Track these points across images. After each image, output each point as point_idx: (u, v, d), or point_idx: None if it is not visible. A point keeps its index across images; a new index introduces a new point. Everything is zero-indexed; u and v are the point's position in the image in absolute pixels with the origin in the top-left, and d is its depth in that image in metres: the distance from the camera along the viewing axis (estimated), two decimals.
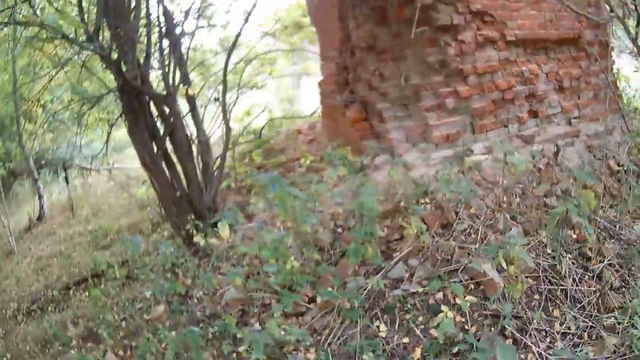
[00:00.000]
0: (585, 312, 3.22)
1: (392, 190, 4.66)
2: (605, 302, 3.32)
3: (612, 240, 4.02)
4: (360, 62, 5.78)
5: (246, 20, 4.93)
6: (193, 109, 5.59)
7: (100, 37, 4.98)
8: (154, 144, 5.31)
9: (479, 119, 5.40)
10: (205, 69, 6.82)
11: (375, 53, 5.65)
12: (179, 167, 5.40)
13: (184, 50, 5.66)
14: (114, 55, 4.95)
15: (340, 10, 5.92)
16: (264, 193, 4.81)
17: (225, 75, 5.06)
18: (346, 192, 4.67)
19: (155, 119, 5.49)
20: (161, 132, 5.43)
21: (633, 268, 3.63)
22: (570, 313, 3.20)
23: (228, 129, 5.33)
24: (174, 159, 5.44)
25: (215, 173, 5.64)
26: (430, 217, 4.08)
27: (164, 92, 5.42)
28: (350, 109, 5.95)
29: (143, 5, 5.43)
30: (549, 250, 3.69)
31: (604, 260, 3.65)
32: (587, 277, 3.53)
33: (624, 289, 3.48)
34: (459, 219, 4.07)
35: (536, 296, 3.35)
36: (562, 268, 3.48)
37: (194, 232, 4.42)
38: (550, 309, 3.25)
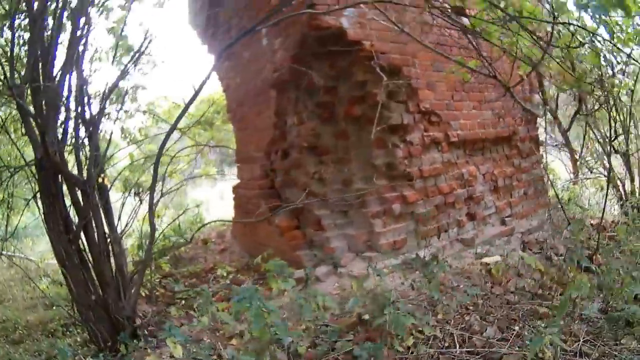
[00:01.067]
0: None
1: (346, 302, 4.40)
2: None
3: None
4: (297, 164, 5.43)
5: (185, 110, 4.37)
6: (106, 202, 4.85)
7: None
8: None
9: (422, 225, 5.27)
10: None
11: (315, 154, 5.31)
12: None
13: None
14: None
15: (279, 106, 5.53)
16: (204, 304, 4.36)
17: (156, 166, 4.42)
18: (291, 306, 4.35)
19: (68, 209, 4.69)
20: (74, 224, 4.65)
21: None
22: None
23: (153, 229, 4.69)
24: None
25: (134, 277, 4.99)
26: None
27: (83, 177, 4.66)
28: (278, 216, 5.59)
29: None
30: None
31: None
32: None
33: None
34: (429, 325, 3.85)
35: None
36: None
37: (120, 346, 4.02)
38: None
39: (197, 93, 4.02)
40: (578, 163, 6.85)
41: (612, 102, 5.47)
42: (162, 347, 4.27)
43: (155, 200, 4.62)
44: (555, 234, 5.86)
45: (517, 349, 3.52)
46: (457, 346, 3.58)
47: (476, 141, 5.79)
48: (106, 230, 4.45)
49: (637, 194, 6.09)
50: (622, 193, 6.19)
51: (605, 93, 5.32)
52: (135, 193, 5.63)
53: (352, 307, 4.13)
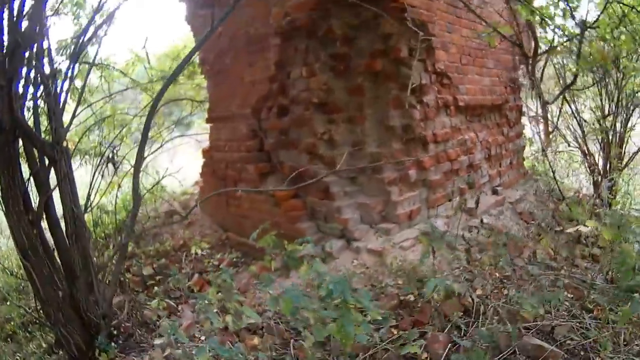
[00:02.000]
0: None
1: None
2: None
3: None
4: (300, 122, 4.92)
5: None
6: (69, 171, 3.89)
7: None
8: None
9: (433, 193, 5.05)
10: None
11: (324, 111, 4.84)
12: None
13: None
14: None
15: (282, 55, 4.95)
16: (227, 295, 3.78)
17: (149, 122, 3.68)
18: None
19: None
20: (34, 201, 3.69)
21: None
22: None
23: (137, 201, 3.91)
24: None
25: (114, 265, 4.14)
26: (447, 306, 3.53)
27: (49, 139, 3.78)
28: (274, 183, 5.09)
29: None
30: None
31: None
32: None
33: None
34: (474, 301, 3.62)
35: None
36: None
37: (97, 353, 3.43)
38: None
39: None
40: (551, 136, 7.02)
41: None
42: (148, 351, 3.62)
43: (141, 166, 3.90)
44: (542, 206, 5.93)
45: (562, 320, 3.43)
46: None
47: (476, 107, 5.65)
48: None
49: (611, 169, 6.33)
50: (598, 169, 6.41)
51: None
52: (109, 159, 4.77)
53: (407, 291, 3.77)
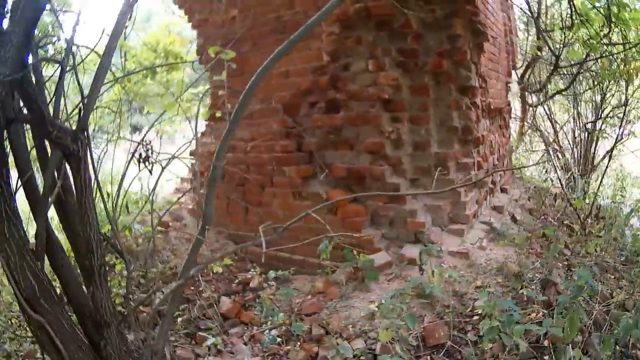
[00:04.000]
0: None
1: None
2: None
3: None
4: (366, 120, 4.74)
5: None
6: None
7: None
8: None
9: (479, 193, 5.22)
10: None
11: (388, 110, 4.74)
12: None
13: None
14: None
15: (339, 43, 4.73)
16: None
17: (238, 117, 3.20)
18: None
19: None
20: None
21: None
22: None
23: (209, 216, 3.23)
24: None
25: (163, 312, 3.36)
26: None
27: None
28: (320, 187, 4.87)
29: None
30: None
31: None
32: None
33: None
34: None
35: None
36: None
37: None
38: None
39: None
40: (526, 136, 7.63)
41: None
42: None
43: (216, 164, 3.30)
44: (541, 205, 6.42)
45: None
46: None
47: (494, 110, 5.93)
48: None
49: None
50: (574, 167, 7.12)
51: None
52: (142, 157, 4.02)
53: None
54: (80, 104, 2.61)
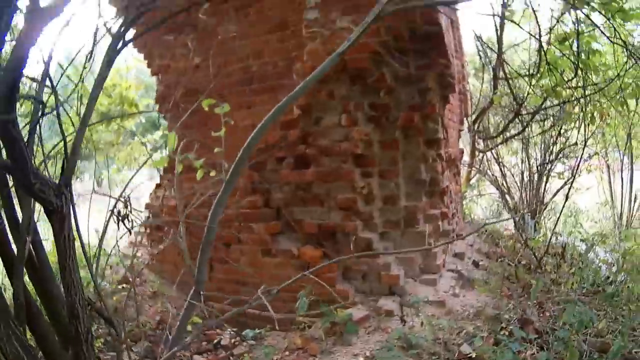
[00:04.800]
0: None
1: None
2: None
3: None
4: (338, 176, 4.79)
5: None
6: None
7: None
8: None
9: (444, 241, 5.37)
10: None
11: (359, 165, 4.82)
12: None
13: None
14: None
15: (311, 97, 4.77)
16: None
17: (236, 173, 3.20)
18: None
19: None
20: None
21: None
22: None
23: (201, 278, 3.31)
24: None
25: None
26: None
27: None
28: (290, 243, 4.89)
29: None
30: None
31: None
32: None
33: None
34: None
35: None
36: None
37: None
38: None
39: None
40: (474, 180, 7.91)
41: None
42: None
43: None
44: (492, 247, 6.68)
45: None
46: None
47: (450, 159, 6.13)
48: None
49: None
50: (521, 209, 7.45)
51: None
52: (120, 216, 3.87)
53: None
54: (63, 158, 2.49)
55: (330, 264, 4.68)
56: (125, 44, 3.15)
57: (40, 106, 2.52)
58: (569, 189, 6.58)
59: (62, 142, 2.61)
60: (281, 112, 3.23)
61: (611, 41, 5.43)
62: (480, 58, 6.79)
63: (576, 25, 5.46)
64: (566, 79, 5.76)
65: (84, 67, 3.69)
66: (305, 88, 3.19)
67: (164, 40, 5.65)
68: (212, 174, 4.00)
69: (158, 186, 6.09)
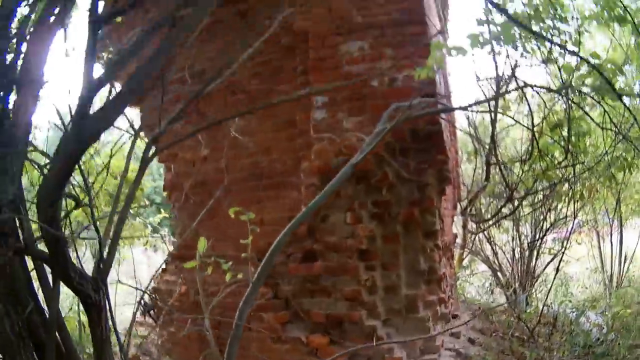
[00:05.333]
0: None
1: None
2: None
3: None
4: (344, 270, 5.12)
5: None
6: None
7: None
8: None
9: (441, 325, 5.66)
10: None
11: (363, 259, 5.14)
12: None
13: None
14: None
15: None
16: None
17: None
18: None
19: None
20: None
21: None
22: None
23: None
24: None
25: None
26: None
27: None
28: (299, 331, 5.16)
29: None
30: None
31: None
32: None
33: None
34: None
35: None
36: None
37: None
38: None
39: None
40: (466, 260, 8.25)
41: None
42: None
43: None
44: (486, 323, 6.95)
45: None
46: None
47: (446, 246, 6.45)
48: None
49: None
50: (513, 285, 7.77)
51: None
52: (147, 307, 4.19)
53: None
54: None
55: (333, 350, 5.03)
56: (155, 153, 3.58)
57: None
58: (559, 261, 6.90)
59: (98, 239, 2.95)
60: (303, 220, 3.65)
61: (601, 127, 5.86)
62: (474, 144, 7.20)
63: (567, 111, 5.90)
64: (557, 162, 6.15)
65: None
66: (325, 197, 3.61)
67: (173, 130, 5.97)
68: (240, 275, 4.34)
69: (164, 271, 6.33)
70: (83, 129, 2.49)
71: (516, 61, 5.40)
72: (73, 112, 2.55)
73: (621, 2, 5.86)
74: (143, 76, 2.75)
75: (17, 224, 2.57)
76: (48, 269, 2.83)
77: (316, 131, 5.01)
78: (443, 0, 6.98)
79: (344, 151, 4.93)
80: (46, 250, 2.57)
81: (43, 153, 3.78)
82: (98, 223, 3.28)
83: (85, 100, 2.50)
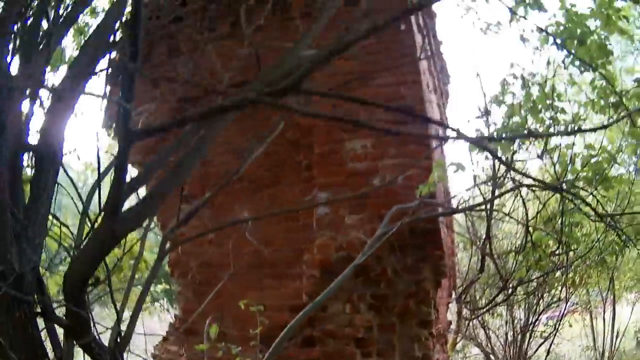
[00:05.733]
0: None
1: None
2: None
3: None
4: (341, 356, 5.34)
5: None
6: None
7: None
8: None
9: None
10: None
11: (359, 346, 5.35)
12: None
13: None
14: None
15: (318, 286, 5.32)
16: None
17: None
18: None
19: None
20: None
21: None
22: None
23: None
24: None
25: None
26: None
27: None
28: None
29: None
30: None
31: None
32: None
33: None
34: None
35: None
36: None
37: None
38: None
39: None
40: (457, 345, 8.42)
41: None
42: None
43: None
44: None
45: None
46: None
47: (440, 334, 6.63)
48: None
49: None
50: None
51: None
52: None
53: None
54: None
55: None
56: (170, 248, 3.87)
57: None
58: (551, 344, 7.08)
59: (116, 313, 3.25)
60: (308, 313, 3.89)
61: (593, 220, 6.11)
62: (470, 235, 7.46)
63: (561, 205, 6.17)
64: (550, 251, 6.39)
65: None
66: (329, 294, 3.89)
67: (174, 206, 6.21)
68: None
69: (165, 339, 6.48)
70: (114, 229, 2.75)
71: (512, 159, 5.67)
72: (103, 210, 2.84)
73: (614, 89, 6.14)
74: (173, 182, 3.05)
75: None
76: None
77: (319, 226, 5.26)
78: (444, 89, 7.33)
79: (344, 247, 5.17)
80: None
81: (63, 224, 4.10)
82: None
83: (117, 202, 2.74)
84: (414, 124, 5.32)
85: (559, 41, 6.05)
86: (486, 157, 5.76)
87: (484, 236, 6.72)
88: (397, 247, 5.23)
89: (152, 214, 3.29)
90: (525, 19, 6.14)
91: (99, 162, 3.51)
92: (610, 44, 6.11)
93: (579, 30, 5.88)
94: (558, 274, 7.07)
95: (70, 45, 7.11)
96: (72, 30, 5.65)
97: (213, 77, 5.81)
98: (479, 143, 4.62)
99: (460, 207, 5.32)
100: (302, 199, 5.47)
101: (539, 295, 7.78)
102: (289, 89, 2.29)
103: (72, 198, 4.15)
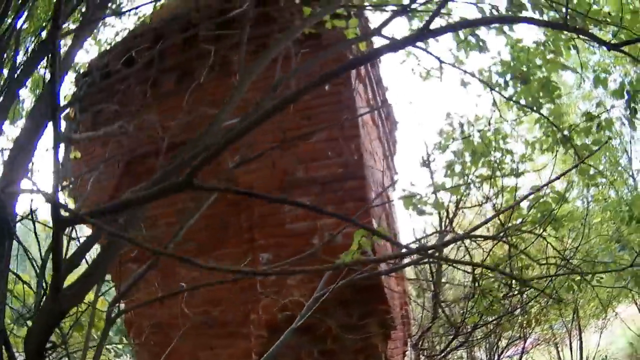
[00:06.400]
0: None
1: None
2: None
3: None
4: None
5: None
6: None
7: None
8: None
9: None
10: None
11: None
12: None
13: None
14: None
15: (266, 346, 5.40)
16: None
17: None
18: None
19: None
20: None
21: None
22: None
23: None
24: None
25: None
26: None
27: None
28: None
29: None
30: None
31: None
32: None
33: None
34: None
35: None
36: None
37: None
38: None
39: None
40: None
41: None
42: None
43: None
44: None
45: None
46: None
47: None
48: None
49: None
50: None
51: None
52: None
53: None
54: None
55: None
56: (119, 314, 4.00)
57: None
58: None
59: None
60: None
61: (539, 264, 6.25)
62: (420, 285, 7.59)
63: (509, 251, 6.32)
64: (502, 295, 6.52)
65: None
66: (271, 357, 3.99)
67: (128, 269, 6.27)
68: None
69: None
70: (58, 306, 2.90)
71: (455, 211, 5.83)
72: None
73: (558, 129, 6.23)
74: (106, 263, 3.19)
75: None
76: None
77: (262, 287, 5.36)
78: (390, 137, 7.50)
79: (289, 306, 5.26)
80: None
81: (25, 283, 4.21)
82: None
83: (57, 282, 2.86)
84: (351, 179, 5.48)
85: (502, 83, 6.17)
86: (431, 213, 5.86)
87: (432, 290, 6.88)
88: (340, 303, 5.34)
89: (93, 286, 3.44)
90: (463, 63, 6.10)
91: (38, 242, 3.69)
92: (561, 75, 6.22)
93: (524, 68, 5.93)
94: (517, 312, 7.20)
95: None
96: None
97: (157, 134, 5.92)
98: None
99: (402, 263, 5.40)
100: (245, 260, 5.56)
101: (499, 333, 7.88)
102: (182, 184, 2.42)
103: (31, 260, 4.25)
